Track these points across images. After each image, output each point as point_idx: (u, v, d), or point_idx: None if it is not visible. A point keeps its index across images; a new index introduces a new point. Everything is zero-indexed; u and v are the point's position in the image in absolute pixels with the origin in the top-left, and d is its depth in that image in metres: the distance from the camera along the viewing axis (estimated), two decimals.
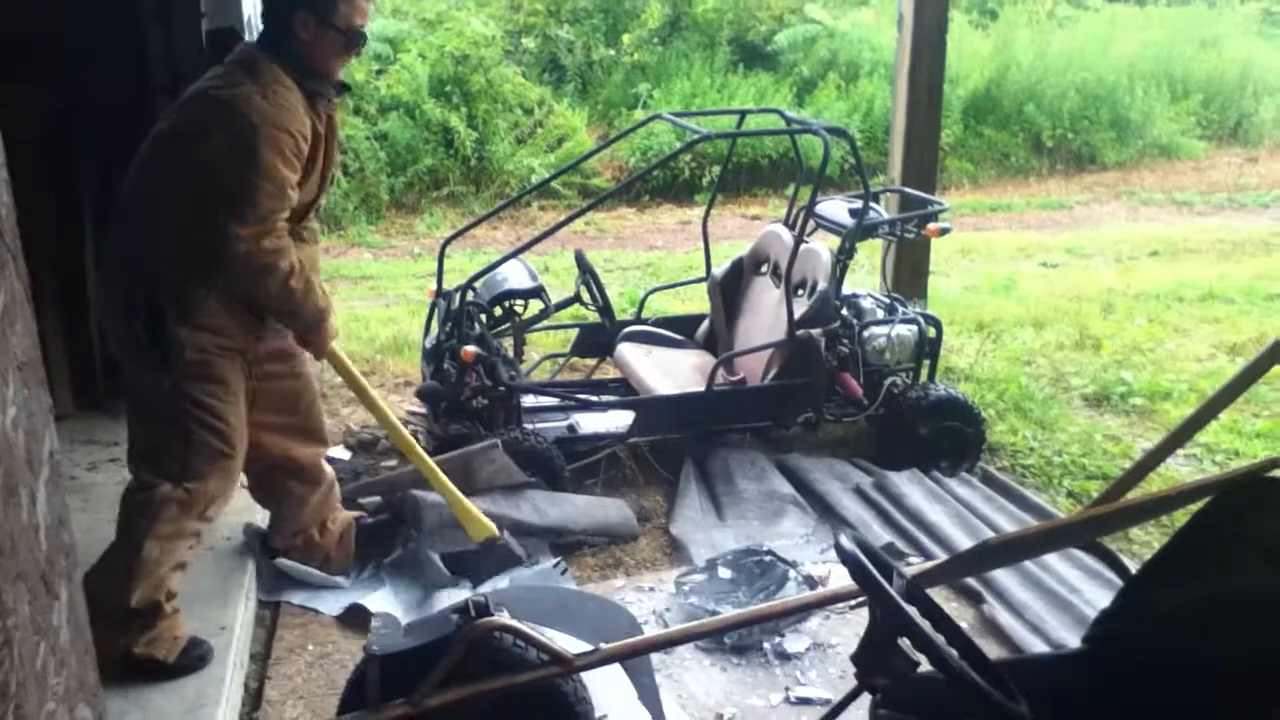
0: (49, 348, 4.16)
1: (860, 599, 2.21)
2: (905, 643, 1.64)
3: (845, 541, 1.63)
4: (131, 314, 2.73)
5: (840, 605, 3.01)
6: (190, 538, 2.85)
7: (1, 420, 1.12)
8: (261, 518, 3.56)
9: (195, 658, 2.81)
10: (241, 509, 3.53)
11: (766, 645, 3.17)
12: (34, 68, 3.83)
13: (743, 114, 5.00)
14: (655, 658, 3.01)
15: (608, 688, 2.62)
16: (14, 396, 1.16)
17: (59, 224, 4.18)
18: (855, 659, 1.69)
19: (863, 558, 1.60)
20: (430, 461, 3.41)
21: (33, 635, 1.18)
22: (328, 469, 3.40)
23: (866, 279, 6.19)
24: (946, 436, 4.36)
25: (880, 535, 3.82)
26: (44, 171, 4.02)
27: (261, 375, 3.02)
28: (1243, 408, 5.08)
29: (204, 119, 2.70)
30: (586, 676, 2.21)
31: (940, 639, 1.65)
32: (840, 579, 3.25)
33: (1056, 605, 3.35)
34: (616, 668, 2.19)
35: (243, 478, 3.16)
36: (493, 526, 3.44)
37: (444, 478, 3.39)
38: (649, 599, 3.48)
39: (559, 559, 3.61)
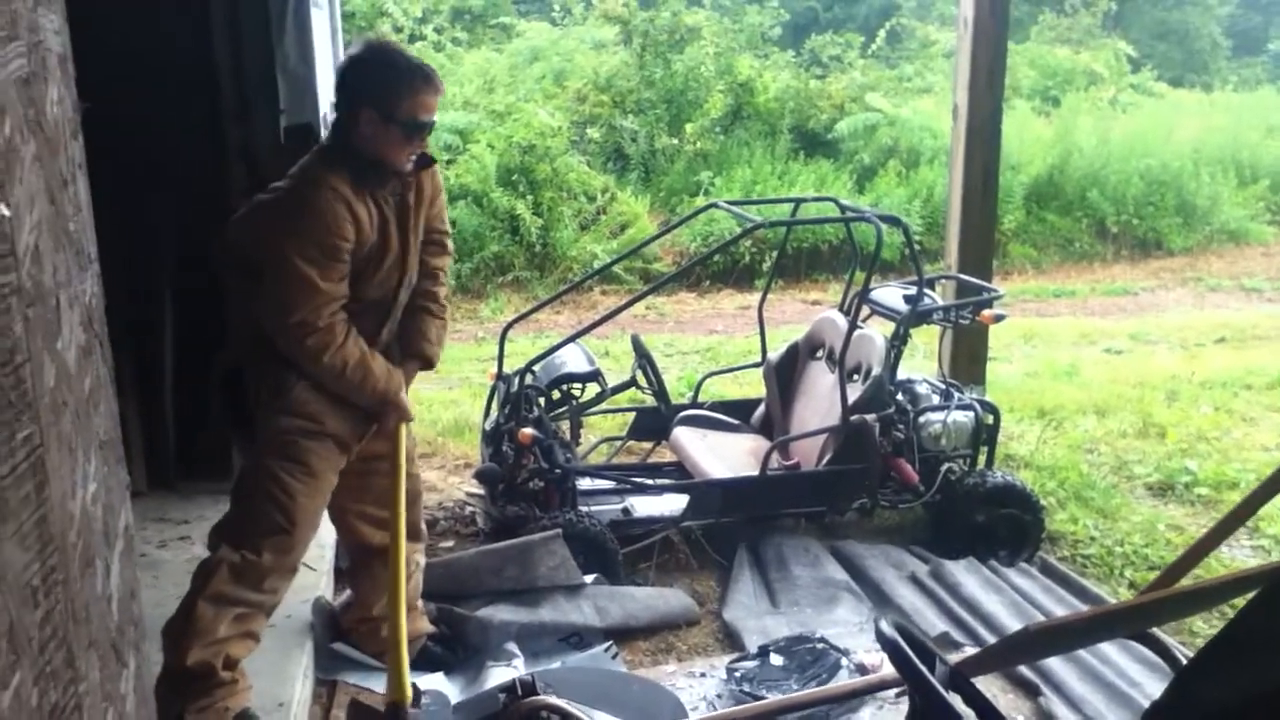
0: (127, 428, 4.30)
1: (904, 687, 2.20)
2: None
3: (885, 627, 1.65)
4: (226, 390, 2.88)
5: (891, 694, 2.99)
6: (246, 607, 2.89)
7: (82, 495, 1.20)
8: (326, 593, 3.64)
9: None
10: (309, 586, 3.62)
11: None
12: (115, 158, 4.05)
13: (798, 202, 5.10)
14: None
15: None
16: (95, 473, 1.25)
17: (139, 309, 4.38)
18: None
19: (902, 643, 1.62)
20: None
21: (101, 701, 1.25)
22: (414, 563, 3.41)
23: (924, 365, 6.18)
24: (1004, 524, 4.32)
25: (935, 624, 3.78)
26: (124, 258, 4.22)
27: (363, 469, 3.14)
28: None
29: (249, 223, 2.88)
30: None
31: None
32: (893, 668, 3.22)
33: (1115, 699, 3.27)
34: None
35: (308, 558, 3.24)
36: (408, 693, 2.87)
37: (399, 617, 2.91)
38: (700, 685, 3.47)
39: (610, 643, 3.63)
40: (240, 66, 3.88)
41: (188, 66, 4.13)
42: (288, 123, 3.67)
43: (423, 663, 3.45)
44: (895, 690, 2.53)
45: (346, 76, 2.91)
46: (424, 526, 3.49)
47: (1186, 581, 2.11)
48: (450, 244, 3.27)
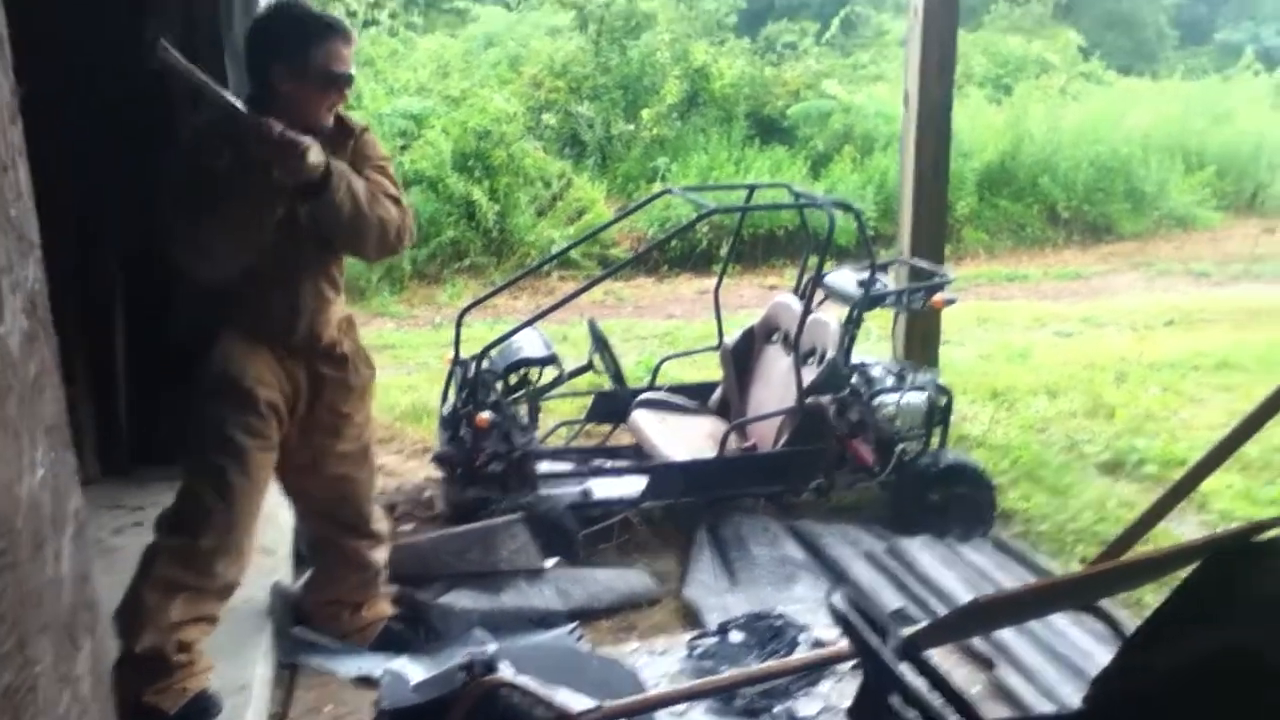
0: (78, 415, 4.27)
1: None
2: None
3: (837, 601, 1.68)
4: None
5: (848, 667, 3.03)
6: (193, 591, 2.85)
7: (30, 480, 1.20)
8: (286, 577, 3.62)
9: (198, 709, 2.83)
10: (269, 569, 3.60)
11: (778, 709, 3.16)
12: (62, 141, 3.99)
13: (752, 188, 5.13)
14: None
15: None
16: (42, 458, 1.24)
17: (88, 296, 4.32)
18: (850, 716, 1.73)
19: (854, 616, 1.64)
20: None
21: (56, 683, 1.25)
22: (375, 560, 3.39)
23: (878, 348, 6.25)
24: (958, 503, 4.38)
25: (892, 601, 3.83)
26: (74, 246, 4.17)
27: (312, 453, 3.11)
28: (1257, 474, 5.09)
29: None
30: None
31: (933, 697, 1.69)
32: None
33: (1069, 670, 3.34)
34: None
35: (265, 542, 3.22)
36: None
37: None
38: (661, 662, 3.50)
39: (574, 625, 3.65)
40: (190, 51, 3.82)
41: (134, 52, 4.07)
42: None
43: (384, 644, 3.45)
44: (851, 663, 2.56)
45: (254, 39, 2.85)
46: (383, 525, 3.45)
47: (1132, 555, 2.16)
48: (403, 208, 3.01)
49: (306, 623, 3.49)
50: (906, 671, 1.67)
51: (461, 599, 3.65)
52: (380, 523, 3.42)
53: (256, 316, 2.93)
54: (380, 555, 3.42)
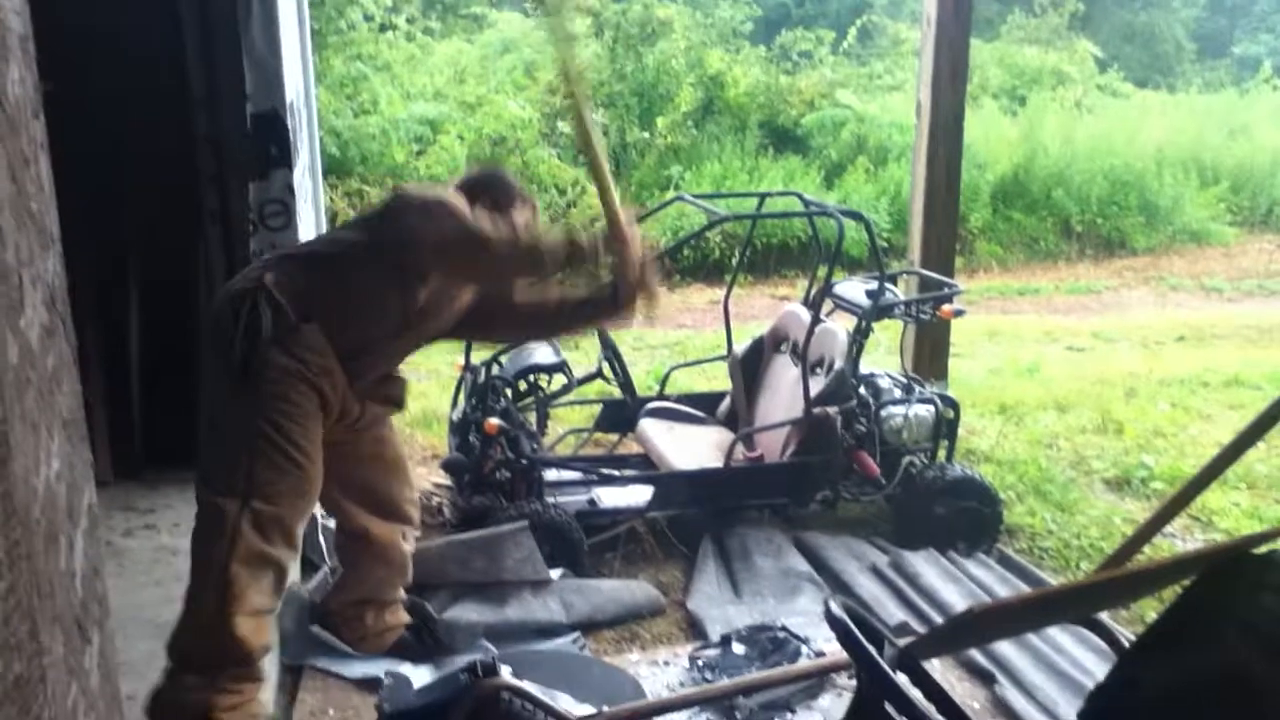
0: (93, 416, 4.30)
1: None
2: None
3: (834, 608, 1.70)
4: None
5: (849, 680, 3.04)
6: (275, 567, 2.84)
7: (46, 472, 1.23)
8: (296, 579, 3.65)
9: None
10: None
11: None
12: (82, 141, 4.05)
13: (762, 196, 5.16)
14: None
15: None
16: (58, 451, 1.27)
17: (104, 295, 4.37)
18: None
19: (849, 624, 1.66)
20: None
21: (65, 675, 1.28)
22: (403, 550, 3.43)
23: (887, 359, 6.26)
24: (963, 517, 4.38)
25: (895, 614, 3.84)
26: (91, 244, 4.21)
27: (349, 452, 3.14)
28: (1265, 493, 5.09)
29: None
30: None
31: (929, 707, 1.70)
32: None
33: (1069, 687, 3.35)
34: None
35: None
36: None
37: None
38: (663, 673, 3.51)
39: (577, 634, 3.67)
40: (208, 53, 3.87)
41: (156, 52, 4.13)
42: (254, 110, 3.66)
43: (398, 652, 3.48)
44: (847, 672, 2.58)
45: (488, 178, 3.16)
46: (415, 510, 3.48)
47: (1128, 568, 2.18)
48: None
49: (327, 626, 3.52)
50: (903, 682, 1.69)
51: (468, 612, 3.66)
52: (413, 508, 3.46)
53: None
54: (409, 546, 3.45)
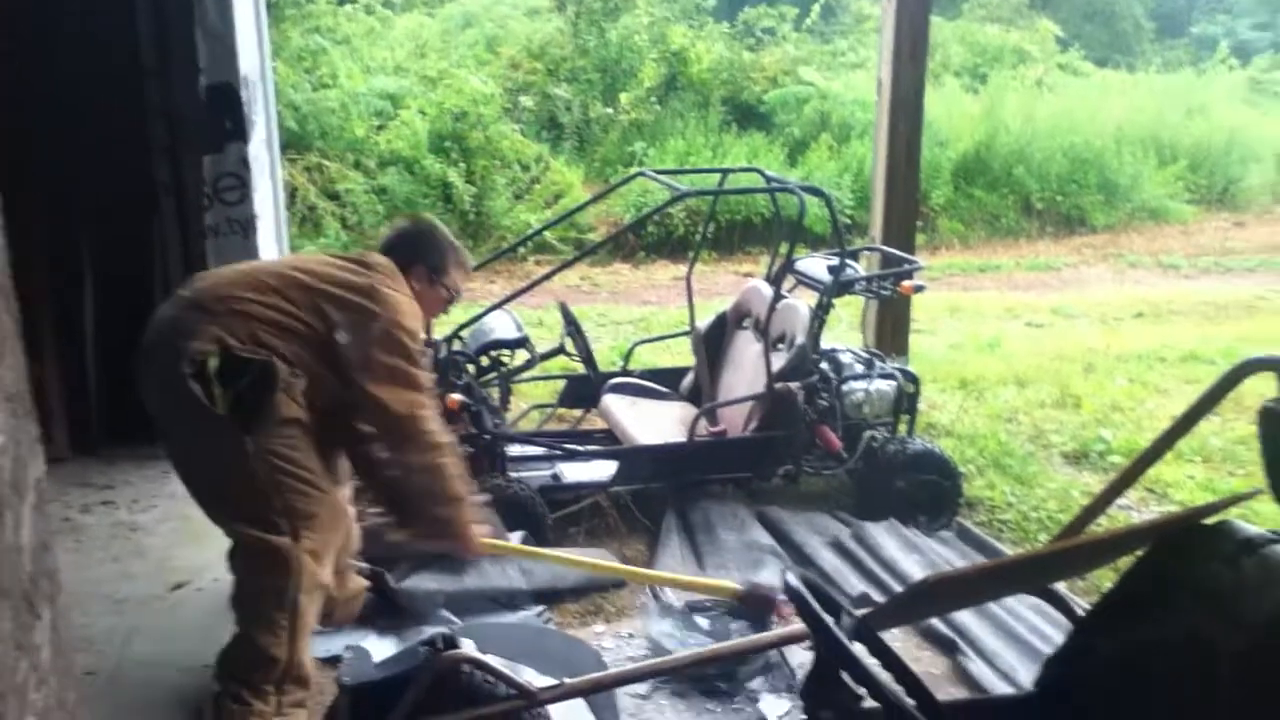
0: (47, 394, 4.26)
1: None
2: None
3: (791, 579, 1.71)
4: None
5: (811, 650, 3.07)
6: (324, 590, 2.92)
7: None
8: None
9: None
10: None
11: (739, 696, 3.21)
12: (35, 113, 3.97)
13: (724, 172, 5.15)
14: (629, 703, 3.08)
15: None
16: (3, 425, 1.24)
17: (57, 272, 4.30)
18: (802, 692, 1.76)
19: (806, 595, 1.67)
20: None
21: (14, 650, 1.26)
22: (349, 512, 3.35)
23: (849, 335, 6.30)
24: (924, 490, 4.42)
25: (856, 586, 3.88)
26: (43, 220, 4.14)
27: None
28: (1219, 466, 5.17)
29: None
30: (551, 710, 2.28)
31: (884, 674, 1.72)
32: None
33: (1028, 654, 3.40)
34: (580, 703, 2.25)
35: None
36: (733, 585, 3.46)
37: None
38: (627, 645, 3.54)
39: (543, 608, 3.68)
40: (160, 24, 3.81)
41: (107, 22, 4.05)
42: (208, 82, 3.61)
43: (364, 621, 3.49)
44: (804, 643, 2.61)
45: (413, 236, 3.23)
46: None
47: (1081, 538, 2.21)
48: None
49: None
50: (860, 651, 1.71)
51: (425, 581, 3.66)
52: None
53: None
54: (353, 509, 3.41)
